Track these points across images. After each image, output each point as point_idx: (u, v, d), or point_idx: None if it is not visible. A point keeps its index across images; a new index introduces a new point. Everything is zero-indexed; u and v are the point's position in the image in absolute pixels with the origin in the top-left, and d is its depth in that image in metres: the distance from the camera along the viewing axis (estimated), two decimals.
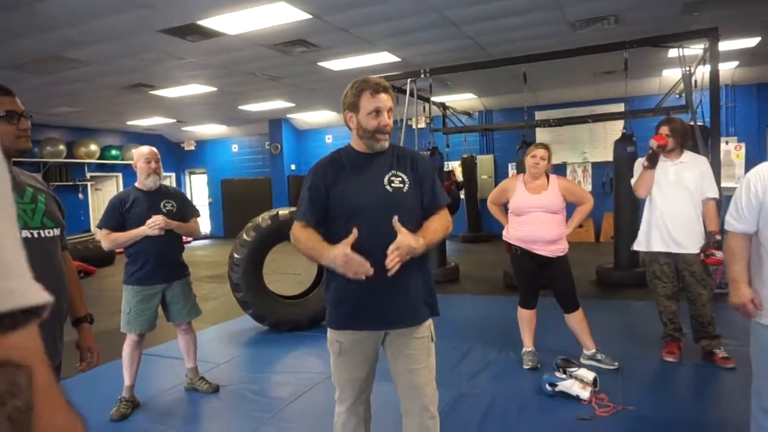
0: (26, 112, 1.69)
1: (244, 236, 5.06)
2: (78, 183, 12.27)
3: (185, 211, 3.47)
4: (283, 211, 5.16)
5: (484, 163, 11.57)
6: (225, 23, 5.44)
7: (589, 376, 3.23)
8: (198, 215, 3.60)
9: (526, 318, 3.72)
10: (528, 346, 3.76)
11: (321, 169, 2.07)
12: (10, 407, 0.38)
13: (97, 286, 8.08)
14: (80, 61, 6.60)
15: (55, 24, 5.23)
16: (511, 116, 10.74)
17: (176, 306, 3.41)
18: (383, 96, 1.95)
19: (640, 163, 3.75)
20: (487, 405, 3.17)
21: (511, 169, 10.59)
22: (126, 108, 10.25)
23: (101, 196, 12.77)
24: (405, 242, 1.83)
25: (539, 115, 10.50)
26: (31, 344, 0.42)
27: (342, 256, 1.80)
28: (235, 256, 5.02)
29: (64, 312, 1.79)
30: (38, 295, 0.42)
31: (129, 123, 12.32)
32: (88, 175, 12.59)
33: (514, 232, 3.64)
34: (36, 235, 1.66)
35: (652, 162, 3.60)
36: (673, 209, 3.55)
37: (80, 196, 12.45)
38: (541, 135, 10.93)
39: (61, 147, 11.50)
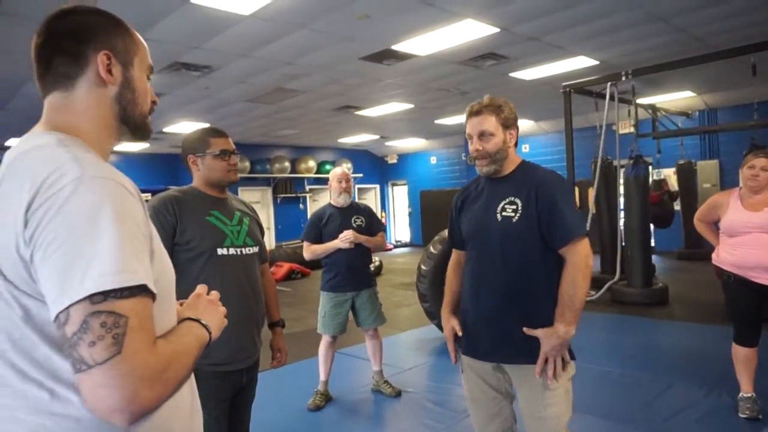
0: (235, 150, 2.05)
1: (431, 249, 5.25)
2: (299, 195, 14.08)
3: (373, 226, 3.77)
4: None
5: (706, 169, 10.06)
6: (416, 46, 5.75)
7: None
8: (383, 230, 3.88)
9: (741, 357, 3.15)
10: (746, 390, 3.18)
11: (457, 194, 2.12)
12: (114, 332, 0.70)
13: (310, 287, 9.14)
14: (297, 91, 7.63)
15: (277, 63, 6.15)
16: (742, 114, 9.17)
17: (364, 313, 3.72)
18: (474, 120, 1.89)
19: None
20: None
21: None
22: (336, 127, 11.44)
23: (317, 206, 14.36)
24: (549, 345, 1.75)
25: None
26: (131, 306, 0.73)
27: (448, 330, 2.00)
28: (422, 267, 5.24)
29: (260, 315, 2.10)
30: (134, 280, 0.73)
31: (340, 140, 13.71)
32: (307, 187, 14.34)
33: (725, 256, 3.13)
34: (239, 252, 1.99)
35: None
36: None
37: (300, 206, 14.24)
38: None
39: (286, 164, 13.35)
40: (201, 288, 1.07)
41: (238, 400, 2.02)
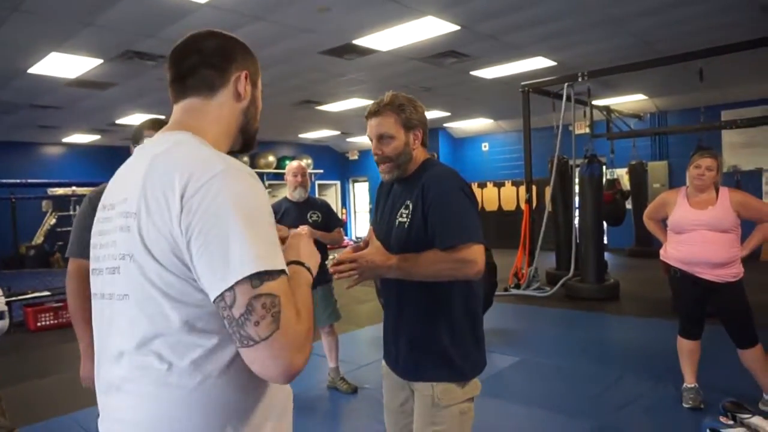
0: None
1: None
2: None
3: (330, 221, 3.72)
4: None
5: (656, 170, 10.45)
6: (377, 41, 5.73)
7: (767, 426, 2.75)
8: (341, 225, 3.84)
9: (686, 349, 3.27)
10: (690, 381, 3.30)
11: (376, 193, 1.98)
12: (272, 311, 0.82)
13: None
14: None
15: None
16: (690, 117, 9.57)
17: (317, 310, 3.66)
18: (373, 121, 1.72)
19: None
20: None
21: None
22: (297, 122, 11.31)
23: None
24: (367, 256, 1.59)
25: (726, 115, 9.20)
26: (279, 286, 0.84)
27: None
28: None
29: None
30: (277, 265, 0.85)
31: (301, 136, 13.56)
32: (267, 183, 14.11)
33: (672, 252, 3.24)
34: None
35: None
36: None
37: None
38: (730, 137, 9.58)
39: (245, 159, 13.08)
40: (302, 228, 1.17)
41: None
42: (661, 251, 3.37)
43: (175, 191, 0.84)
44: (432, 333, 1.65)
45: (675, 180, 10.15)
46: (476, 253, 1.55)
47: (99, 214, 1.00)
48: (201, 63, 1.02)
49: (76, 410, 3.53)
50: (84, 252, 1.91)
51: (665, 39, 6.05)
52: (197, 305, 0.87)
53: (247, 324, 0.82)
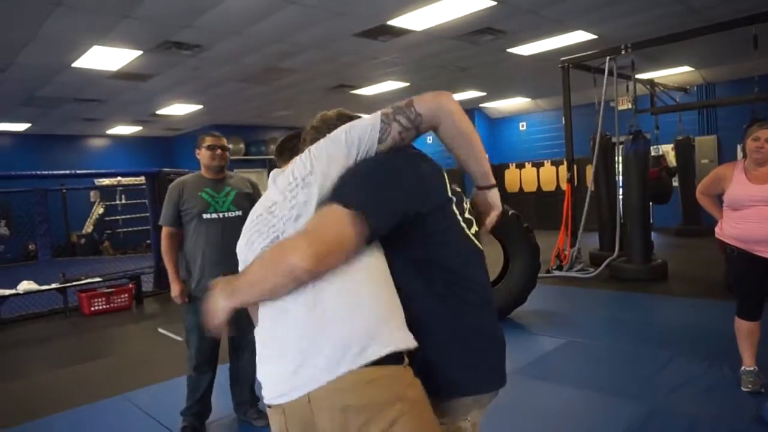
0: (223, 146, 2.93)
1: None
2: None
3: None
4: None
5: (704, 145, 10.00)
6: (412, 20, 5.63)
7: None
8: None
9: (745, 330, 3.13)
10: (749, 364, 3.15)
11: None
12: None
13: None
14: (291, 70, 7.48)
15: (269, 41, 6.01)
16: (740, 88, 9.08)
17: None
18: None
19: None
20: (686, 426, 2.77)
21: (740, 152, 8.98)
22: (332, 107, 11.03)
23: None
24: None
25: None
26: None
27: None
28: None
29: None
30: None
31: None
32: None
33: (729, 230, 3.08)
34: (221, 216, 2.83)
35: None
36: None
37: None
38: None
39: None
40: None
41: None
42: (717, 229, 3.21)
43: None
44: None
45: (724, 155, 9.70)
46: None
47: (259, 214, 1.36)
48: (284, 148, 1.58)
49: (128, 390, 3.65)
50: (167, 221, 2.86)
51: (713, 5, 5.73)
52: None
53: None
